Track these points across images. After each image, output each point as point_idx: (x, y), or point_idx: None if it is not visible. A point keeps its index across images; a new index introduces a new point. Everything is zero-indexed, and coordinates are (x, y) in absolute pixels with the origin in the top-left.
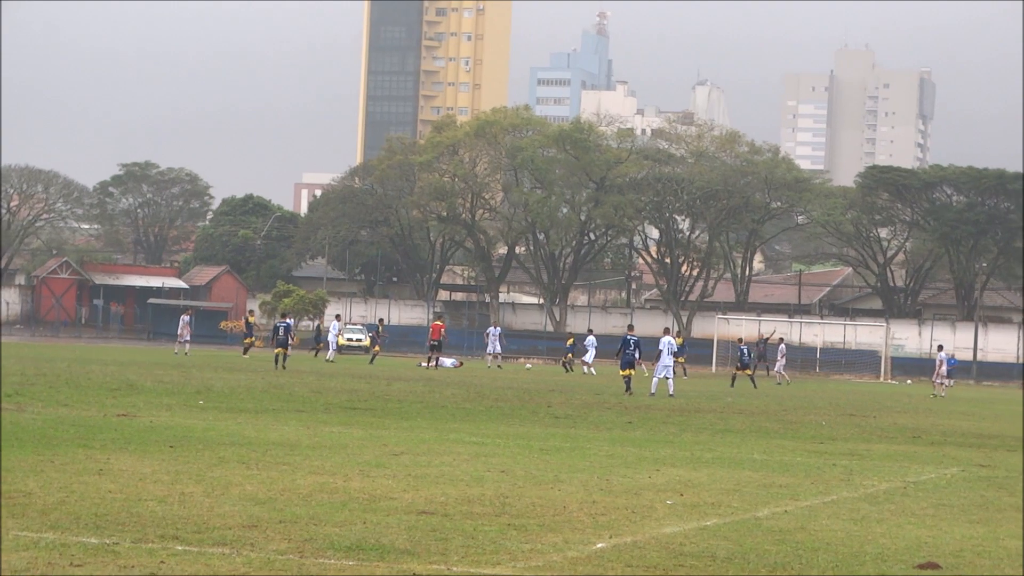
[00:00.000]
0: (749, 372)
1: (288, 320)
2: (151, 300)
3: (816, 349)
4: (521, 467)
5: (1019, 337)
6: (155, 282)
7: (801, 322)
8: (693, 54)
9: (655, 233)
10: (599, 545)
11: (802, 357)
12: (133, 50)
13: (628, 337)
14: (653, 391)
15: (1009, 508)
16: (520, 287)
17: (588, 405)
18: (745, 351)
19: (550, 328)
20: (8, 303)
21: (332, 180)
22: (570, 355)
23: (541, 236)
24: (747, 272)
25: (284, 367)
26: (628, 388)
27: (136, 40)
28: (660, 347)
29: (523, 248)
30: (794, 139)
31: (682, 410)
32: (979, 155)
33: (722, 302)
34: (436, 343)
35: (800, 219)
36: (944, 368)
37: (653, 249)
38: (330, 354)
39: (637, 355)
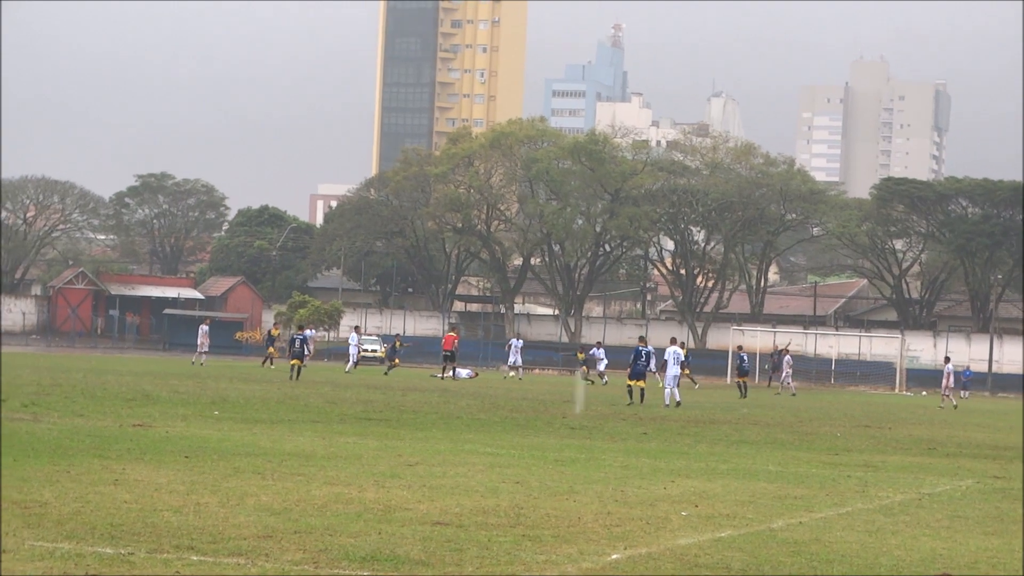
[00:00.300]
0: (746, 379)
1: (304, 332)
2: (167, 311)
3: (831, 360)
4: (536, 478)
5: (1021, 346)
6: (171, 293)
7: (816, 334)
8: (708, 66)
9: (670, 244)
10: (614, 556)
11: (817, 368)
12: (150, 61)
13: (640, 348)
14: (667, 402)
15: None
16: (535, 298)
17: (603, 416)
18: (744, 359)
19: (565, 339)
20: (24, 313)
21: (348, 191)
22: (586, 367)
23: (556, 247)
24: (762, 284)
25: (297, 378)
26: (630, 396)
27: (153, 51)
28: (666, 357)
29: (538, 259)
30: (809, 151)
31: (697, 421)
32: (994, 167)
33: (737, 313)
34: (449, 354)
35: (815, 231)
36: (951, 380)
37: (668, 260)
38: (348, 366)
39: (652, 366)
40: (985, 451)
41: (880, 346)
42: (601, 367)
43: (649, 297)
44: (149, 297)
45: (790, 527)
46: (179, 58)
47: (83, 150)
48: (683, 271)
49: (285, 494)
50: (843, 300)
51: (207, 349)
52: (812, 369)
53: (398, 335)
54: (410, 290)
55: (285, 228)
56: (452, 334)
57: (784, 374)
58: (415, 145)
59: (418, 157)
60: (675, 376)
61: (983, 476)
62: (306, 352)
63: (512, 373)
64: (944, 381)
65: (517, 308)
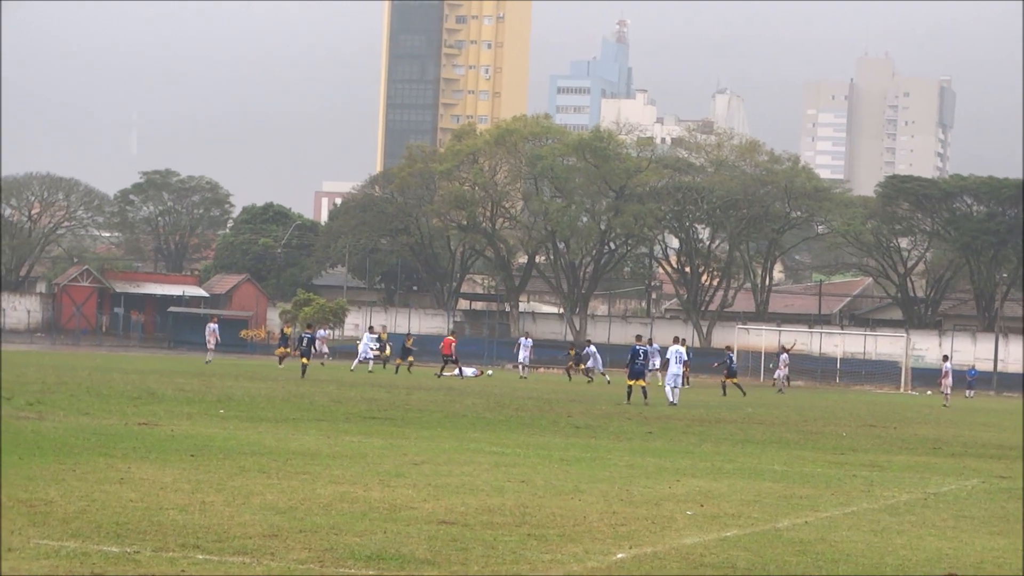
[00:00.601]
0: (735, 380)
1: (313, 332)
2: (171, 308)
3: (836, 359)
4: (541, 477)
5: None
6: (175, 290)
7: (821, 332)
8: (713, 63)
9: (675, 242)
10: (619, 556)
11: (822, 368)
12: (153, 58)
13: (636, 348)
14: (673, 400)
15: None
16: (540, 296)
17: (608, 415)
18: (732, 359)
19: (570, 337)
20: (29, 311)
21: (352, 188)
22: (572, 364)
23: (561, 245)
24: (767, 282)
25: (302, 376)
26: (629, 397)
27: (156, 47)
28: (668, 356)
29: (543, 257)
30: (814, 148)
31: (702, 420)
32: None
33: (742, 312)
34: (449, 357)
35: (820, 229)
36: (950, 379)
37: (673, 259)
38: (355, 364)
39: (656, 363)
40: (991, 451)
41: (885, 345)
42: (590, 363)
43: (654, 295)
44: (154, 295)
45: (795, 527)
46: (183, 55)
47: (88, 147)
48: (688, 269)
49: (290, 493)
50: (848, 299)
51: (214, 346)
52: (817, 368)
53: (409, 334)
54: (415, 288)
55: (290, 225)
56: (451, 338)
57: (779, 372)
58: (420, 142)
59: (423, 154)
60: (676, 375)
61: (989, 476)
62: (323, 352)
63: (523, 371)
64: (943, 380)
65: (522, 306)
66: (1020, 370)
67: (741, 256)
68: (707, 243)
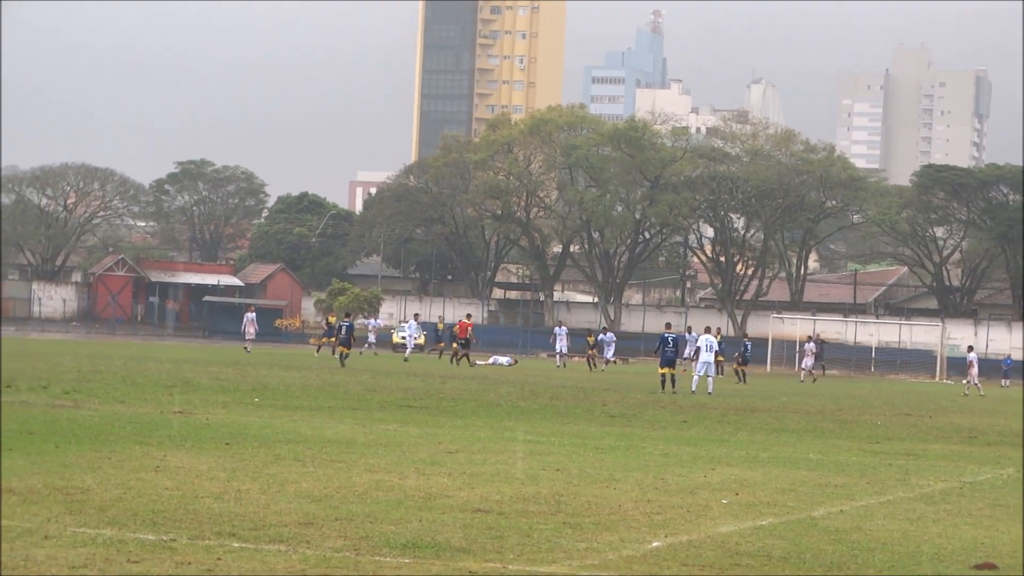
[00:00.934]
0: (744, 368)
1: (351, 320)
2: (206, 298)
3: (871, 348)
4: (576, 465)
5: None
6: (210, 280)
7: (856, 321)
8: (748, 52)
9: (710, 232)
10: (655, 544)
11: (857, 357)
12: (192, 50)
13: (666, 335)
14: (694, 389)
15: None
16: (575, 285)
17: (643, 404)
18: (747, 346)
19: (605, 326)
20: (65, 300)
21: (387, 178)
22: (593, 351)
23: (596, 234)
24: (802, 271)
25: (343, 365)
26: (663, 386)
27: (194, 40)
28: (699, 344)
29: (578, 246)
30: (849, 138)
31: (737, 409)
32: None
33: (777, 301)
34: (464, 341)
35: (855, 218)
36: (976, 368)
37: (708, 248)
38: (408, 353)
39: (688, 352)
40: None
41: (920, 334)
42: (609, 352)
43: (688, 285)
44: (189, 284)
45: (831, 515)
46: (220, 46)
47: (124, 137)
48: (723, 259)
49: (326, 481)
50: (883, 288)
51: (253, 336)
52: (852, 357)
53: (441, 317)
54: (449, 277)
55: (325, 215)
56: (466, 321)
57: (806, 361)
58: (454, 132)
59: (457, 144)
60: (706, 363)
61: None
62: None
63: (559, 360)
64: (969, 369)
65: (556, 296)
66: None
67: (776, 245)
68: (742, 232)
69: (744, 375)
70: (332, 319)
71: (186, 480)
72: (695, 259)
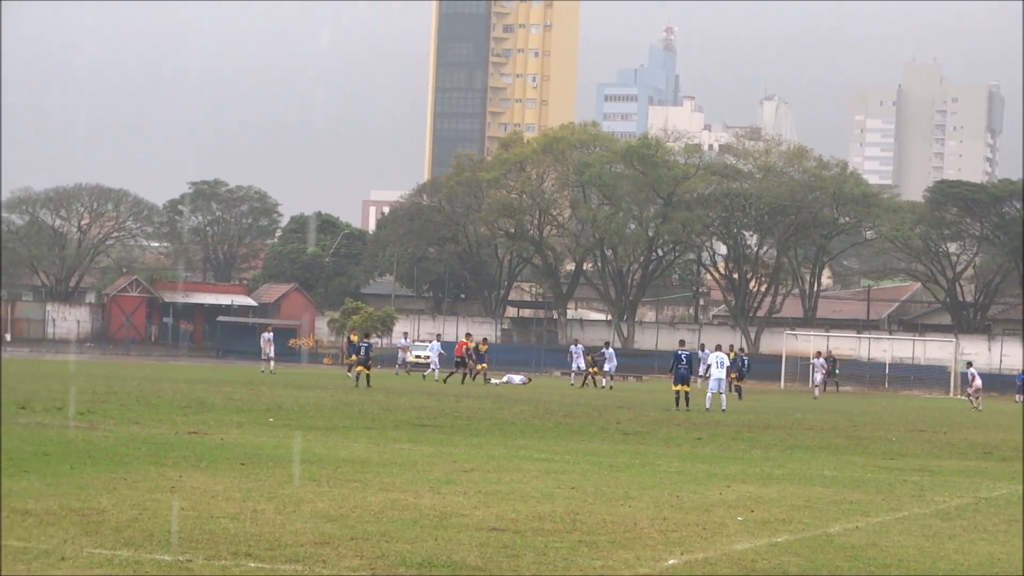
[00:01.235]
0: (740, 382)
1: (369, 340)
2: (220, 318)
3: (885, 365)
4: (591, 484)
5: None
6: (224, 300)
7: (870, 338)
8: (760, 69)
9: (723, 249)
10: (671, 562)
11: (871, 373)
12: (202, 69)
13: (680, 352)
14: (708, 406)
15: None
16: (588, 303)
17: (657, 421)
18: (745, 361)
19: (618, 344)
20: (79, 321)
21: (400, 197)
22: (592, 369)
23: (609, 252)
24: (815, 288)
25: (368, 385)
26: (677, 403)
27: (204, 59)
28: (709, 362)
29: (591, 264)
30: (862, 154)
31: (751, 426)
32: None
33: (790, 318)
34: (460, 360)
35: (868, 234)
36: (977, 383)
37: (721, 265)
38: (436, 373)
39: (701, 371)
40: None
41: (934, 350)
42: (608, 367)
43: (702, 302)
44: (202, 304)
45: (847, 532)
46: (229, 64)
47: (137, 158)
48: (736, 275)
49: (341, 500)
50: (896, 304)
51: (271, 355)
52: (866, 373)
53: (468, 334)
54: (462, 296)
55: (338, 234)
56: (464, 340)
57: (818, 376)
58: (467, 150)
59: (470, 162)
60: (719, 380)
61: None
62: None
63: (572, 379)
64: (969, 383)
65: (570, 314)
66: None
67: (789, 262)
68: (755, 249)
69: (740, 391)
70: (355, 337)
71: (201, 500)
72: (708, 276)
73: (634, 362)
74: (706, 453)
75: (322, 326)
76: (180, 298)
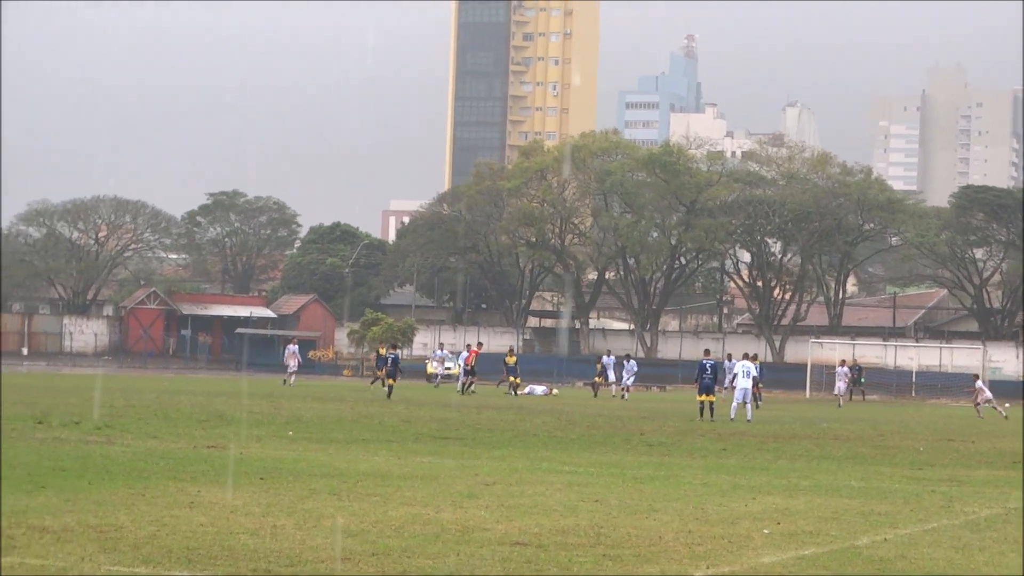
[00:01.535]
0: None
1: (396, 352)
2: (239, 330)
3: (911, 373)
4: (615, 496)
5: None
6: (243, 311)
7: (896, 345)
8: (782, 76)
9: (747, 256)
10: (696, 575)
11: (897, 381)
12: (220, 79)
13: (704, 362)
14: (733, 416)
15: None
16: (610, 312)
17: (681, 432)
18: (760, 368)
19: (641, 354)
20: (96, 334)
21: (420, 207)
22: (597, 378)
23: (631, 261)
24: (840, 295)
25: (388, 397)
26: (702, 414)
27: (225, 71)
28: (736, 371)
29: (613, 273)
30: (886, 160)
31: (777, 436)
32: None
33: (815, 326)
34: (469, 368)
35: (894, 241)
36: (987, 393)
37: (745, 273)
38: (471, 385)
39: (727, 382)
40: None
41: (961, 357)
42: (611, 376)
43: (726, 310)
44: (221, 316)
45: (875, 544)
46: (249, 76)
47: (155, 169)
48: (760, 283)
49: (362, 515)
50: (923, 311)
51: (295, 368)
52: (892, 382)
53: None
54: (484, 306)
55: (358, 245)
56: (475, 349)
57: (839, 386)
58: (488, 159)
59: (491, 171)
60: (745, 390)
61: None
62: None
63: (616, 391)
64: (978, 396)
65: (592, 323)
66: None
67: (814, 269)
68: (779, 256)
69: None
70: (382, 350)
71: (221, 516)
72: (732, 284)
73: (657, 372)
74: (731, 464)
75: (342, 337)
76: (198, 310)
